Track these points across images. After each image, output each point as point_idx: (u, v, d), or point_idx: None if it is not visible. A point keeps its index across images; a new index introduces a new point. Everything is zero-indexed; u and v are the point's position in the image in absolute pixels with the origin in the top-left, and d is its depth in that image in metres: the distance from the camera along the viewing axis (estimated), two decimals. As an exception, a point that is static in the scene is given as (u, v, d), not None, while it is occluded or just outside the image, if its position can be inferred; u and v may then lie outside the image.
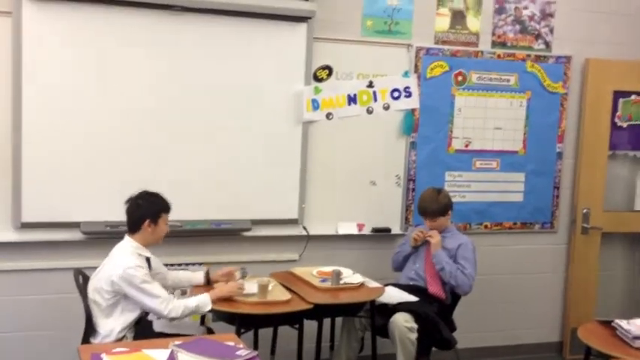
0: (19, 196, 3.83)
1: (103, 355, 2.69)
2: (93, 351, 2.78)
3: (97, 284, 3.35)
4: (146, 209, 3.41)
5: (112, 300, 3.32)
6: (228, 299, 3.48)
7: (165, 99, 4.07)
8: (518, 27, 4.84)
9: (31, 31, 3.78)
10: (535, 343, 5.14)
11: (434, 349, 3.98)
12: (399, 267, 4.34)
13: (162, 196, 3.49)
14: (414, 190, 4.67)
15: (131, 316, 3.35)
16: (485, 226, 4.91)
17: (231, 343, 2.91)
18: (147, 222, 3.39)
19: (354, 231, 4.58)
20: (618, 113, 5.07)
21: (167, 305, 3.31)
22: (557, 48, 4.93)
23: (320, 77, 4.41)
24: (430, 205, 4.12)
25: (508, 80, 4.84)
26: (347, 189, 4.55)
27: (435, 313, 3.95)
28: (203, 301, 3.40)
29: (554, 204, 5.05)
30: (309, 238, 4.47)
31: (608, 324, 3.48)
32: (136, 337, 3.33)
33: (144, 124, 4.05)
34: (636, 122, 5.12)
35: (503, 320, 5.06)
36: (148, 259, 3.43)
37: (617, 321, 3.41)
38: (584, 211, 5.03)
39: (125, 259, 3.32)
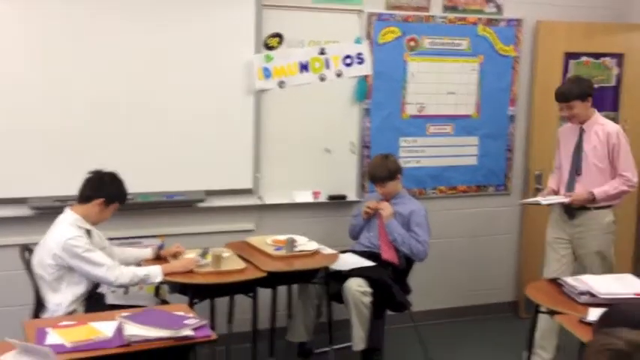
0: (-37, 172, 3.76)
1: (49, 330, 2.67)
2: (38, 325, 2.76)
3: (41, 258, 3.32)
4: (107, 188, 3.38)
5: (57, 274, 3.28)
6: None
7: (111, 70, 3.99)
8: (469, -9, 4.84)
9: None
10: (491, 303, 5.23)
11: (389, 312, 4.03)
12: (356, 237, 4.37)
13: (126, 188, 3.45)
14: (368, 156, 4.67)
15: (78, 289, 3.32)
16: (440, 190, 4.95)
17: (181, 313, 2.90)
18: (100, 200, 3.36)
19: (310, 199, 4.58)
20: (569, 75, 5.11)
21: (113, 272, 3.29)
22: (508, 11, 4.93)
23: (271, 45, 4.37)
24: (379, 171, 4.15)
25: (460, 45, 4.84)
26: (302, 157, 4.54)
27: (390, 277, 3.99)
28: (153, 271, 3.38)
29: (508, 167, 5.11)
30: (265, 208, 4.47)
31: (555, 282, 3.55)
32: (87, 311, 3.30)
33: (92, 97, 3.96)
34: (587, 84, 5.17)
35: (459, 282, 5.14)
36: (88, 232, 3.38)
37: (564, 278, 3.50)
38: (537, 173, 5.09)
39: (65, 230, 3.28)
